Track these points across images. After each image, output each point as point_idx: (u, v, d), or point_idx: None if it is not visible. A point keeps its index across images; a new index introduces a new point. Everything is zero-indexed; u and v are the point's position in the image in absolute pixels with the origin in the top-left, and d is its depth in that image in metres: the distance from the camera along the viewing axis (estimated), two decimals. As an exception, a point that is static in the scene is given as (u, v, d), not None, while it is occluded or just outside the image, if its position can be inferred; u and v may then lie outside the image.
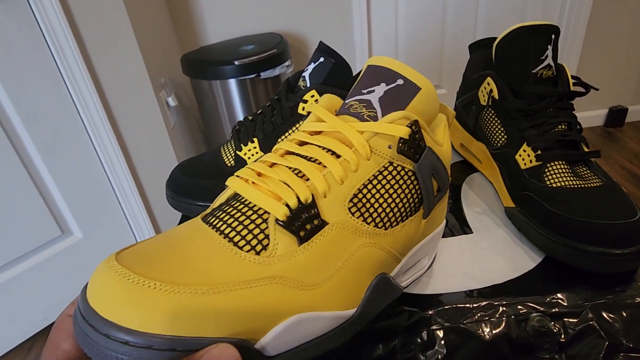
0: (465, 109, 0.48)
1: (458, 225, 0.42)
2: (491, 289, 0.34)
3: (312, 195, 0.24)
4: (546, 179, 0.37)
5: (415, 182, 0.27)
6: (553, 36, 0.40)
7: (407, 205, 0.27)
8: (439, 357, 0.31)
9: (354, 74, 0.51)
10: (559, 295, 0.32)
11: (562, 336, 0.31)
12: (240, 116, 1.35)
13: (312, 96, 0.43)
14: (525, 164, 0.39)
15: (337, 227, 0.24)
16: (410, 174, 0.27)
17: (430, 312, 0.33)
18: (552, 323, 0.31)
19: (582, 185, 0.35)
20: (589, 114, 1.79)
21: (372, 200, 0.25)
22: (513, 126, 0.41)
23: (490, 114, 0.43)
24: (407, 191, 0.27)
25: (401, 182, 0.26)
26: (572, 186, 0.36)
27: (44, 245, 1.02)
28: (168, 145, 1.15)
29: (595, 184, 0.35)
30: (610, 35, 1.60)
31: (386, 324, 0.32)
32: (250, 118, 0.47)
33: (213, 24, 1.46)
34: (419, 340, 0.32)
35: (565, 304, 0.32)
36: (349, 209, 0.25)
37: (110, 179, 1.07)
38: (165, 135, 1.13)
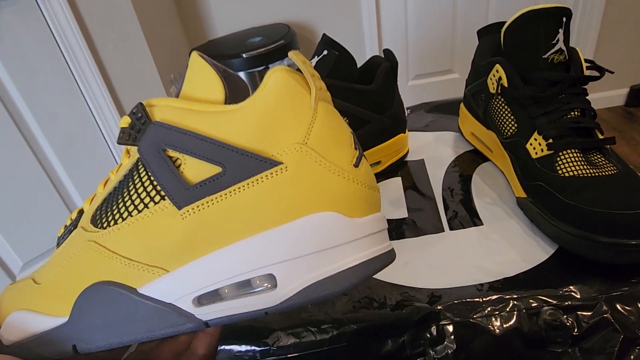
0: (475, 97, 0.47)
1: (468, 216, 0.41)
2: (502, 282, 0.33)
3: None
4: (558, 168, 0.36)
5: (142, 169, 0.22)
6: (564, 19, 0.38)
7: (133, 197, 0.22)
8: (449, 352, 0.31)
9: (360, 64, 0.50)
10: (572, 287, 0.32)
11: (575, 330, 0.30)
12: (250, 109, 1.35)
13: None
14: (536, 153, 0.38)
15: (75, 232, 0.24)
16: (135, 160, 0.22)
17: (439, 307, 0.32)
18: (565, 316, 0.30)
19: (596, 174, 0.34)
20: (610, 93, 1.73)
21: (106, 202, 0.23)
22: (523, 114, 0.40)
23: (500, 102, 0.42)
24: (135, 181, 0.22)
25: (130, 173, 0.22)
26: (585, 175, 0.34)
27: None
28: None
29: (610, 172, 0.34)
30: (630, 10, 1.54)
31: (395, 319, 0.32)
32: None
33: (220, 17, 1.46)
34: (428, 335, 0.31)
35: (579, 296, 0.31)
36: (91, 220, 0.23)
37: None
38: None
